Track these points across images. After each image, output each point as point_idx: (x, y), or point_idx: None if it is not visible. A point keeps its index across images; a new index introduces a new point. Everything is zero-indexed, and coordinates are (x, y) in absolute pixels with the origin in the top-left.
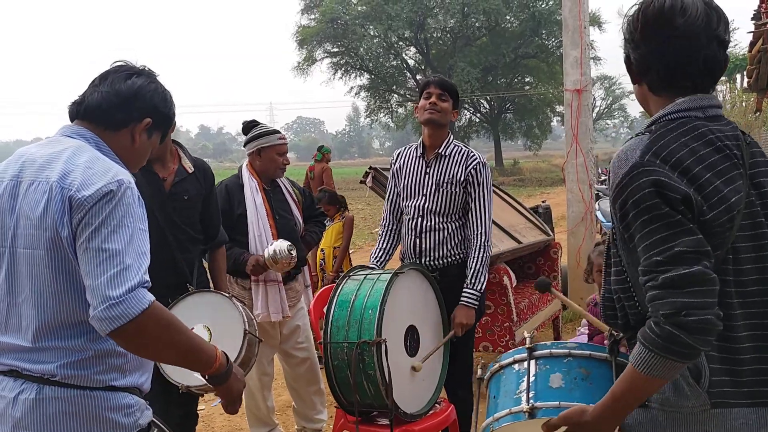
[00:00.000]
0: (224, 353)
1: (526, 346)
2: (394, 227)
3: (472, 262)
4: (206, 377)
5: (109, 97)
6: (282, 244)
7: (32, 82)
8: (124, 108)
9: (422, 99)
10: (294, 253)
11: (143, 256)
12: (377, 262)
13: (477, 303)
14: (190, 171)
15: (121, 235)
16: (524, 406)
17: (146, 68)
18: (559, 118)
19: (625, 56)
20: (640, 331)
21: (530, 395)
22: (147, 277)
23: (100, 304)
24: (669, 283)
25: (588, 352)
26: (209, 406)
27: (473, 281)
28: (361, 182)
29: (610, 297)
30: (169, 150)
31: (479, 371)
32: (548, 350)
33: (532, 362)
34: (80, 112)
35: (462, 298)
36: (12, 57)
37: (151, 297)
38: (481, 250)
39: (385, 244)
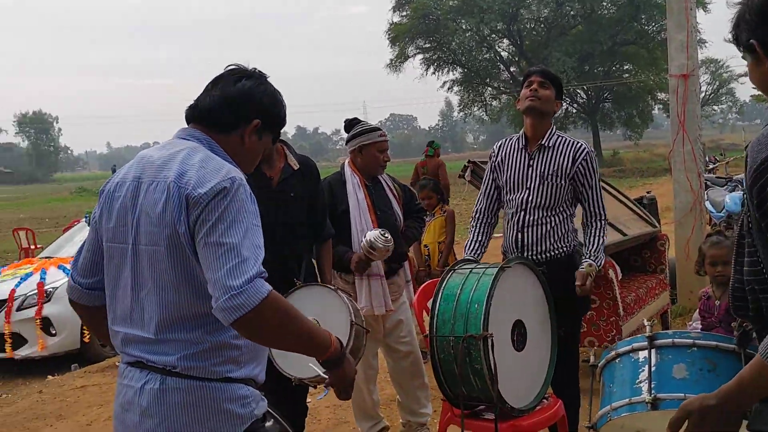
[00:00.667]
0: (338, 338)
1: (646, 334)
2: (489, 220)
3: (593, 237)
4: (321, 362)
5: (219, 101)
6: (374, 232)
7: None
8: (233, 111)
9: (523, 88)
10: (388, 236)
11: (258, 249)
12: (473, 253)
13: (593, 270)
14: (296, 168)
15: (236, 229)
16: (646, 396)
17: (257, 71)
18: (661, 106)
19: (749, 34)
20: None
21: (651, 385)
22: (263, 269)
23: (222, 295)
24: None
25: (714, 342)
26: (315, 399)
27: (592, 253)
28: (460, 176)
29: (741, 287)
30: (275, 149)
31: (592, 358)
32: (670, 339)
33: (653, 351)
34: (194, 115)
35: (581, 266)
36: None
37: (269, 286)
38: (601, 230)
39: (479, 236)
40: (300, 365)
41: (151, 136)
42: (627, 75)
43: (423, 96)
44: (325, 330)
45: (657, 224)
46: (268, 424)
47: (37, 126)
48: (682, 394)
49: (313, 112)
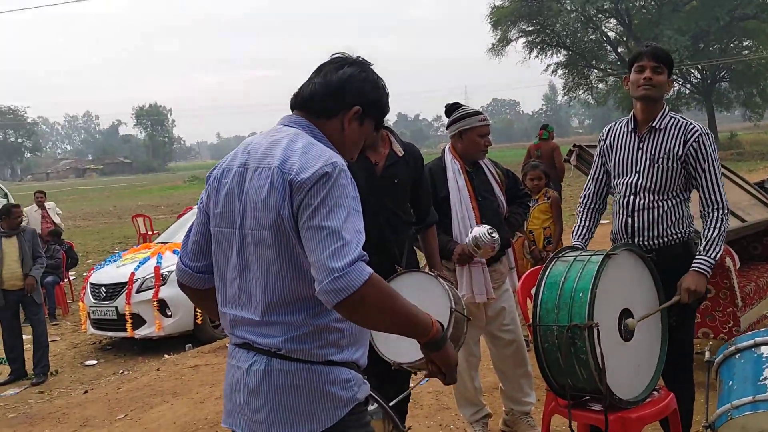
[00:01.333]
0: (439, 322)
1: None
2: (596, 205)
3: (708, 231)
4: (422, 345)
5: (320, 88)
6: (481, 229)
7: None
8: (333, 97)
9: (633, 72)
10: (495, 236)
11: (359, 233)
12: (580, 239)
13: (709, 270)
14: (401, 155)
15: (338, 213)
16: None
17: (360, 58)
18: None
19: None
20: None
21: None
22: (364, 252)
23: (325, 277)
24: None
25: None
26: (418, 386)
27: (707, 248)
28: (565, 161)
29: None
30: (381, 135)
31: (707, 354)
32: None
33: None
34: (297, 102)
35: (693, 264)
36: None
37: (370, 269)
38: (719, 221)
39: (587, 221)
40: (399, 350)
41: (258, 125)
42: (746, 52)
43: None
44: (426, 313)
45: None
46: (371, 408)
47: (153, 118)
48: None
49: (414, 98)
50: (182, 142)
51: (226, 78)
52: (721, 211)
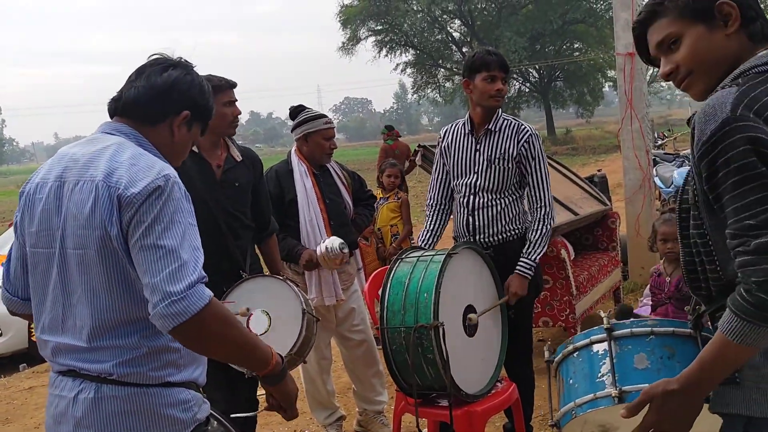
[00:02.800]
0: (279, 354)
1: (604, 326)
2: (442, 206)
3: (531, 233)
4: (261, 378)
5: (145, 92)
6: (334, 242)
7: None
8: (160, 102)
9: (482, 80)
10: (346, 251)
11: (197, 251)
12: (424, 243)
13: (531, 273)
14: (239, 159)
15: (174, 231)
16: (611, 390)
17: (182, 60)
18: (611, 84)
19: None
20: (730, 297)
21: (615, 378)
22: (204, 273)
23: (161, 300)
24: (763, 248)
25: (671, 328)
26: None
27: (529, 251)
28: (410, 160)
29: (692, 261)
30: (218, 140)
31: (546, 353)
32: (629, 329)
33: (612, 343)
34: (118, 108)
35: (516, 267)
36: None
37: (210, 292)
38: (542, 222)
39: (432, 225)
40: None
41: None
42: (577, 53)
43: (377, 78)
44: (266, 344)
45: (608, 202)
46: (211, 427)
47: None
48: (646, 384)
49: (266, 96)
50: (15, 144)
51: (63, 74)
52: (543, 210)
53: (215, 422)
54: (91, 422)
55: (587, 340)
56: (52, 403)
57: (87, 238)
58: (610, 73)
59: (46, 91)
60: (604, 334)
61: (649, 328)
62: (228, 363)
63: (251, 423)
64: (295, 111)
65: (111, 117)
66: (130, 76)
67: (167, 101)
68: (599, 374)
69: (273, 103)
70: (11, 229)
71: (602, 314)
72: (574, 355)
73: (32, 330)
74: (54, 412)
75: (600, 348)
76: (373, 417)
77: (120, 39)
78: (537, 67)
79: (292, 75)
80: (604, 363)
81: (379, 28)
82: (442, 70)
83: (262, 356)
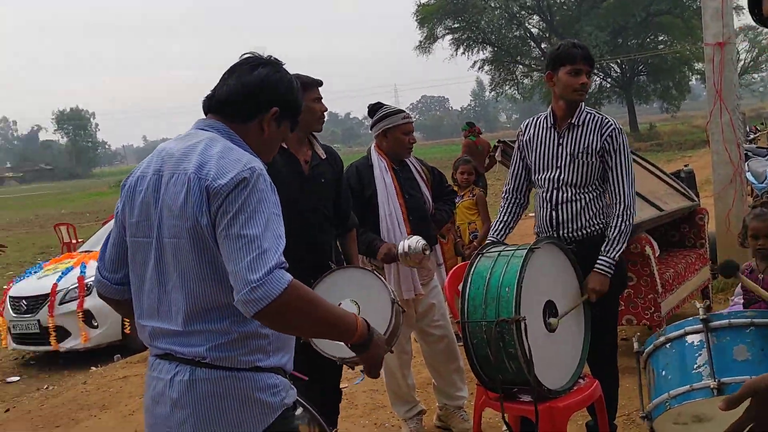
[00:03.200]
0: (364, 319)
1: (700, 317)
2: (518, 200)
3: (611, 230)
4: (350, 346)
5: (236, 90)
6: (418, 243)
7: None
8: (250, 99)
9: (566, 74)
10: (428, 253)
11: (279, 239)
12: (497, 235)
13: (610, 271)
14: (323, 157)
15: (257, 220)
16: (709, 381)
17: (272, 58)
18: (698, 77)
19: None
20: None
21: (713, 370)
22: (283, 259)
23: (242, 288)
24: None
25: None
26: (352, 385)
27: (608, 248)
28: (490, 156)
29: None
30: (305, 136)
31: (636, 345)
32: (727, 320)
33: (709, 334)
34: (212, 105)
35: (596, 265)
36: None
37: (289, 276)
38: (621, 218)
39: (506, 217)
40: (340, 346)
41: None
42: (662, 46)
43: (454, 76)
44: (351, 313)
45: (696, 198)
46: (298, 412)
47: (75, 122)
48: (747, 377)
49: (344, 97)
50: (107, 147)
51: (151, 80)
52: (622, 206)
53: (301, 408)
54: (186, 403)
55: (681, 331)
56: (150, 385)
57: (180, 227)
58: (698, 66)
59: (135, 96)
60: (700, 325)
61: (749, 320)
62: (317, 338)
63: (334, 411)
64: (374, 108)
65: (205, 114)
66: (223, 75)
67: (257, 99)
68: (695, 366)
69: (350, 103)
70: (107, 225)
71: (697, 305)
72: (667, 346)
73: (126, 323)
74: (152, 394)
75: (695, 339)
76: (453, 412)
77: (206, 45)
78: (619, 61)
79: (369, 75)
80: (701, 354)
81: (456, 25)
82: (521, 66)
83: (348, 327)
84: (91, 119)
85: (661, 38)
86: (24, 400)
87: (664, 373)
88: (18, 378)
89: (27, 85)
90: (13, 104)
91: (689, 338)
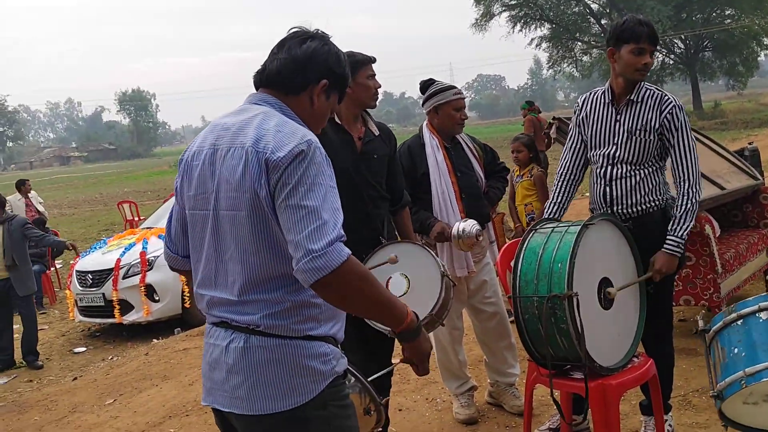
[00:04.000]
0: (414, 312)
1: None
2: (573, 176)
3: (676, 208)
4: (396, 334)
5: (286, 64)
6: (472, 228)
7: None
8: (300, 72)
9: (629, 53)
10: (481, 239)
11: (337, 211)
12: (551, 214)
13: (679, 250)
14: (376, 134)
15: (316, 192)
16: None
17: (319, 31)
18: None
19: None
20: None
21: None
22: (343, 232)
23: (303, 257)
24: None
25: None
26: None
27: (675, 227)
28: (545, 133)
29: None
30: (359, 113)
31: (701, 323)
32: None
33: None
34: (263, 80)
35: (665, 245)
36: None
37: (348, 250)
38: (686, 197)
39: (559, 198)
40: None
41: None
42: (729, 20)
43: (511, 54)
44: (402, 302)
45: (760, 177)
46: (350, 381)
47: (137, 103)
48: None
49: (399, 76)
50: (167, 127)
51: (209, 61)
52: (687, 184)
53: (353, 378)
54: (241, 369)
55: (755, 307)
56: (207, 351)
57: (238, 200)
58: (767, 41)
59: (194, 77)
60: None
61: None
62: (365, 318)
63: (385, 385)
64: (425, 84)
65: (256, 88)
66: (272, 49)
67: (306, 71)
68: None
69: (405, 82)
70: (168, 203)
71: None
72: (738, 323)
73: (186, 297)
74: (209, 360)
75: None
76: (504, 389)
77: (260, 26)
78: (683, 37)
79: (424, 54)
80: None
81: (513, 2)
82: (579, 43)
83: (397, 313)
84: (152, 100)
85: (728, 12)
86: (90, 370)
87: (736, 350)
88: (84, 348)
89: (89, 67)
90: (76, 85)
91: (764, 315)
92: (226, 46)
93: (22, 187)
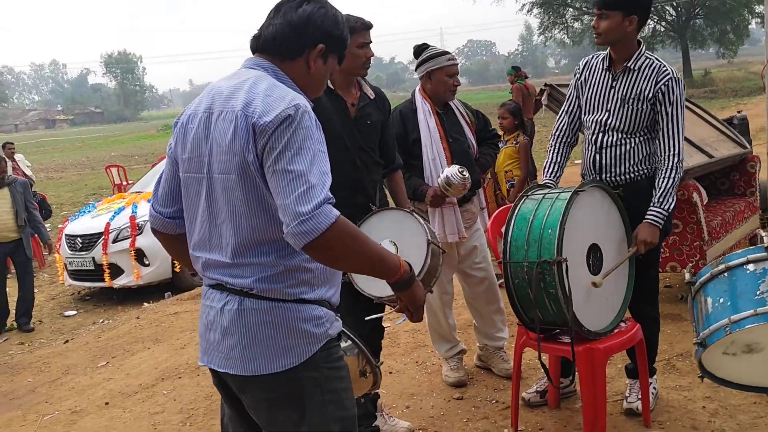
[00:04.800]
0: (407, 262)
1: (765, 245)
2: (569, 139)
3: (661, 180)
4: (391, 284)
5: (282, 28)
6: (452, 169)
7: None
8: (296, 37)
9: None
10: (466, 174)
11: (325, 175)
12: (552, 175)
13: (662, 222)
14: (372, 97)
15: (303, 156)
16: None
17: None
18: (759, 20)
19: None
20: None
21: None
22: (330, 194)
23: (292, 220)
24: None
25: None
26: (394, 324)
27: (660, 199)
28: (536, 100)
29: None
30: (353, 79)
31: (687, 275)
32: None
33: None
34: (259, 45)
35: (647, 216)
36: None
37: (336, 212)
38: (672, 170)
39: (557, 156)
40: (379, 284)
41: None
42: None
43: (501, 20)
44: (394, 254)
45: (747, 145)
46: (344, 344)
47: (123, 66)
48: None
49: (389, 41)
50: (154, 90)
51: (198, 24)
52: (673, 159)
53: (348, 340)
54: (235, 330)
55: (743, 259)
56: (204, 313)
57: (229, 163)
58: (758, 8)
59: (181, 40)
60: (764, 253)
61: None
62: (360, 274)
63: (377, 342)
64: (419, 49)
65: (252, 53)
66: (269, 14)
67: (303, 36)
68: (758, 291)
69: (395, 47)
70: (156, 167)
71: (761, 233)
72: (725, 274)
73: (176, 262)
74: (205, 321)
75: (758, 267)
76: (493, 352)
77: None
78: (674, 4)
79: (414, 19)
80: (764, 281)
81: None
82: (571, 9)
83: (390, 265)
84: (139, 63)
85: None
86: (81, 333)
87: (722, 300)
88: (75, 312)
89: (73, 29)
90: (61, 47)
91: (751, 266)
92: (214, 9)
93: (3, 149)
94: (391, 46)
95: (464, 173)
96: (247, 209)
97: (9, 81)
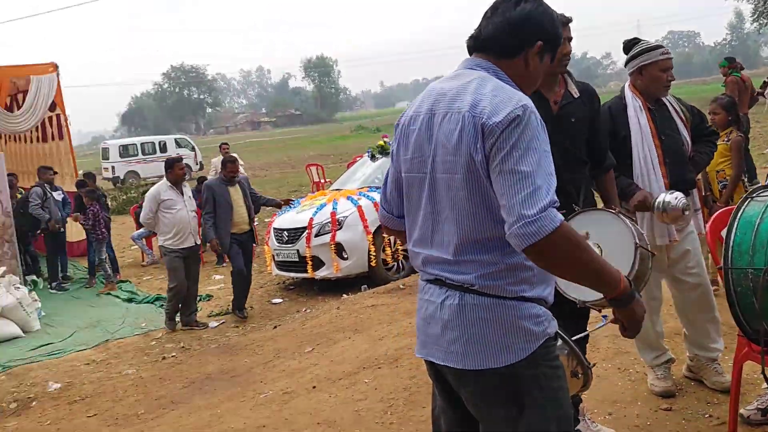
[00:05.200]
0: (628, 278)
1: None
2: None
3: None
4: (609, 300)
5: (501, 27)
6: (678, 202)
7: None
8: (516, 35)
9: None
10: (688, 213)
11: (551, 176)
12: None
13: None
14: (576, 96)
15: (530, 157)
16: None
17: None
18: None
19: None
20: None
21: None
22: (556, 198)
23: (516, 221)
24: None
25: None
26: (594, 328)
27: None
28: (758, 94)
29: None
30: (556, 76)
31: None
32: None
33: None
34: (477, 44)
35: None
36: None
37: (561, 217)
38: None
39: None
40: (583, 288)
41: (419, 73)
42: None
43: (707, 8)
44: (617, 270)
45: None
46: (559, 343)
47: (320, 70)
48: None
49: (580, 36)
50: (348, 93)
51: (388, 29)
52: None
53: (561, 340)
54: (456, 325)
55: None
56: (422, 307)
57: (454, 163)
58: None
59: (373, 43)
60: None
61: None
62: (578, 283)
63: (581, 346)
64: (629, 44)
65: (470, 53)
66: (485, 13)
67: (522, 33)
68: None
69: (587, 42)
70: (353, 167)
71: None
72: None
73: (372, 256)
74: (424, 315)
75: None
76: (705, 364)
77: None
78: None
79: (607, 10)
80: None
81: None
82: None
83: (610, 279)
84: (334, 66)
85: None
86: (287, 320)
87: None
88: (281, 300)
89: (277, 37)
90: (266, 54)
91: None
92: (405, 16)
93: (219, 149)
94: (581, 41)
95: (687, 212)
96: (471, 208)
97: (222, 87)
